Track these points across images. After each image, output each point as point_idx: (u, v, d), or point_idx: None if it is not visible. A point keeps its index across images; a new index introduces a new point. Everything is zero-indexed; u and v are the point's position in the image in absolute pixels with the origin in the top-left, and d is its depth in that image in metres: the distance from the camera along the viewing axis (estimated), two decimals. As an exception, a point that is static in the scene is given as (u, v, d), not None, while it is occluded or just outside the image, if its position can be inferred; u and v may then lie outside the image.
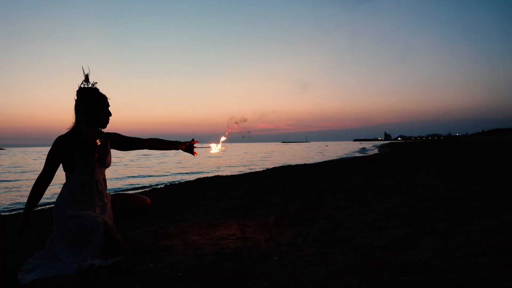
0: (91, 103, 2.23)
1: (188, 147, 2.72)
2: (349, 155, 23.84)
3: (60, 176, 2.28)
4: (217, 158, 24.48)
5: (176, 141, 2.69)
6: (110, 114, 2.33)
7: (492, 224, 2.25)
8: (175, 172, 13.85)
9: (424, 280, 1.53)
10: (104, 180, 2.37)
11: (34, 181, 2.19)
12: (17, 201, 7.23)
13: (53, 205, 2.40)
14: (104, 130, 2.40)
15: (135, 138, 2.57)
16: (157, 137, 2.67)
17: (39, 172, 2.22)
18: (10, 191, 8.97)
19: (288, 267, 1.88)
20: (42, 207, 5.27)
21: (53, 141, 2.20)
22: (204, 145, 2.89)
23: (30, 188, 2.18)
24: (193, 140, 2.74)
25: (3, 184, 10.51)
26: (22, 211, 2.14)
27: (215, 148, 2.93)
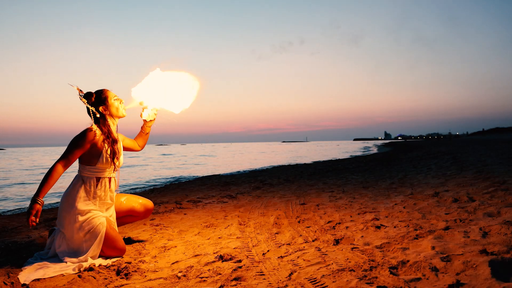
0: (101, 101, 2.29)
1: (145, 124, 2.59)
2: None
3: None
4: (217, 158, 24.44)
5: (141, 128, 2.62)
6: (121, 101, 2.38)
7: (492, 223, 2.25)
8: (175, 171, 13.85)
9: (424, 279, 1.54)
10: (115, 179, 2.39)
11: (52, 165, 2.15)
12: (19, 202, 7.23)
13: (50, 207, 2.38)
14: None
15: (132, 140, 2.62)
16: (136, 137, 2.65)
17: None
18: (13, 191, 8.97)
19: (288, 266, 1.88)
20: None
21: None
22: (136, 105, 2.53)
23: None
24: (141, 114, 2.57)
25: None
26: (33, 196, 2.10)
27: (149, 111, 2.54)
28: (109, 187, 2.31)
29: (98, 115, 2.28)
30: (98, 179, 2.25)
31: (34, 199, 2.06)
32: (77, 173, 2.28)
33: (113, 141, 2.29)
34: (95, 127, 2.25)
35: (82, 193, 2.19)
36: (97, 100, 2.29)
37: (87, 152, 2.21)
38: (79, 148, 2.18)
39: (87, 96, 2.29)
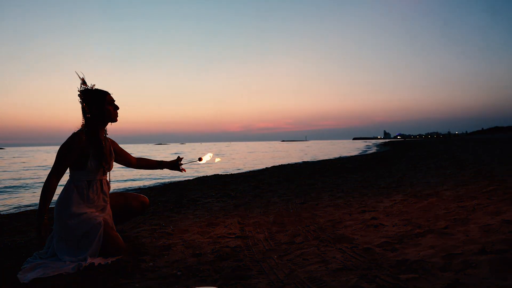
0: (97, 101, 2.27)
1: (174, 165, 2.79)
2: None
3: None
4: (223, 157, 24.48)
5: (161, 161, 2.78)
6: (117, 108, 2.37)
7: (491, 222, 2.26)
8: (174, 170, 13.80)
9: (423, 278, 1.54)
10: (108, 182, 2.39)
11: (46, 179, 2.16)
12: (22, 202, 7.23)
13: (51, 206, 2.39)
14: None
15: (127, 153, 2.64)
16: (143, 157, 2.77)
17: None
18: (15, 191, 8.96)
19: (288, 265, 1.88)
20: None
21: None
22: (190, 160, 2.96)
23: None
24: (178, 157, 2.82)
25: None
26: (37, 212, 2.13)
27: (204, 159, 2.92)
28: (101, 189, 2.31)
29: (88, 115, 2.26)
30: (90, 182, 2.25)
31: (41, 217, 2.10)
32: (68, 178, 2.28)
33: (99, 144, 2.27)
34: (80, 130, 2.24)
35: (75, 197, 2.20)
36: (92, 100, 2.26)
37: (78, 156, 2.21)
38: (68, 156, 2.19)
39: (84, 92, 2.27)
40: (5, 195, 8.03)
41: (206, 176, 8.62)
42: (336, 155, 20.82)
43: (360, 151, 26.50)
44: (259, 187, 5.71)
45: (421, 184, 4.66)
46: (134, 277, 1.85)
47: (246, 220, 3.11)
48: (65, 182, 2.29)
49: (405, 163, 9.29)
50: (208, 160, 2.91)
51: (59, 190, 2.27)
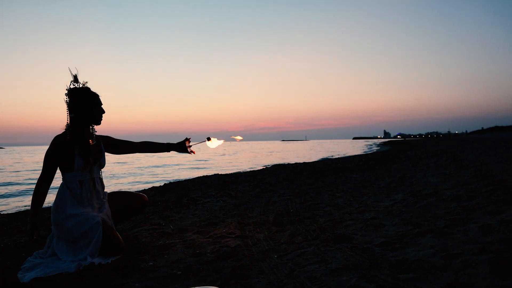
0: (83, 102, 2.25)
1: (181, 147, 2.70)
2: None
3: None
4: (217, 156, 24.46)
5: (168, 143, 2.70)
6: (103, 111, 2.35)
7: (491, 221, 2.25)
8: (174, 170, 13.84)
9: (423, 278, 1.54)
10: (101, 179, 2.39)
11: (36, 184, 2.19)
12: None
13: (50, 205, 2.40)
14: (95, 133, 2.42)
15: (127, 141, 2.59)
16: (148, 140, 2.68)
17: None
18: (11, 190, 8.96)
19: (288, 265, 1.88)
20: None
21: (51, 141, 2.22)
22: (197, 142, 2.85)
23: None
24: (186, 138, 2.73)
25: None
26: (29, 216, 2.16)
27: (213, 143, 2.85)
28: (94, 188, 2.30)
29: (72, 115, 2.24)
30: (82, 182, 2.24)
31: (33, 222, 2.12)
32: (61, 181, 2.29)
33: (84, 143, 2.26)
34: (64, 132, 2.24)
35: (69, 198, 2.20)
36: (80, 99, 2.24)
37: (64, 158, 2.21)
38: (53, 159, 2.20)
39: (71, 92, 2.25)
40: (5, 195, 8.03)
41: (206, 176, 8.62)
42: (341, 155, 20.98)
43: (364, 151, 26.75)
44: (259, 186, 5.70)
45: (421, 183, 4.66)
46: (134, 276, 1.85)
47: (246, 219, 3.11)
48: (59, 186, 2.29)
49: (405, 162, 9.29)
50: (216, 145, 2.86)
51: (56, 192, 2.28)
